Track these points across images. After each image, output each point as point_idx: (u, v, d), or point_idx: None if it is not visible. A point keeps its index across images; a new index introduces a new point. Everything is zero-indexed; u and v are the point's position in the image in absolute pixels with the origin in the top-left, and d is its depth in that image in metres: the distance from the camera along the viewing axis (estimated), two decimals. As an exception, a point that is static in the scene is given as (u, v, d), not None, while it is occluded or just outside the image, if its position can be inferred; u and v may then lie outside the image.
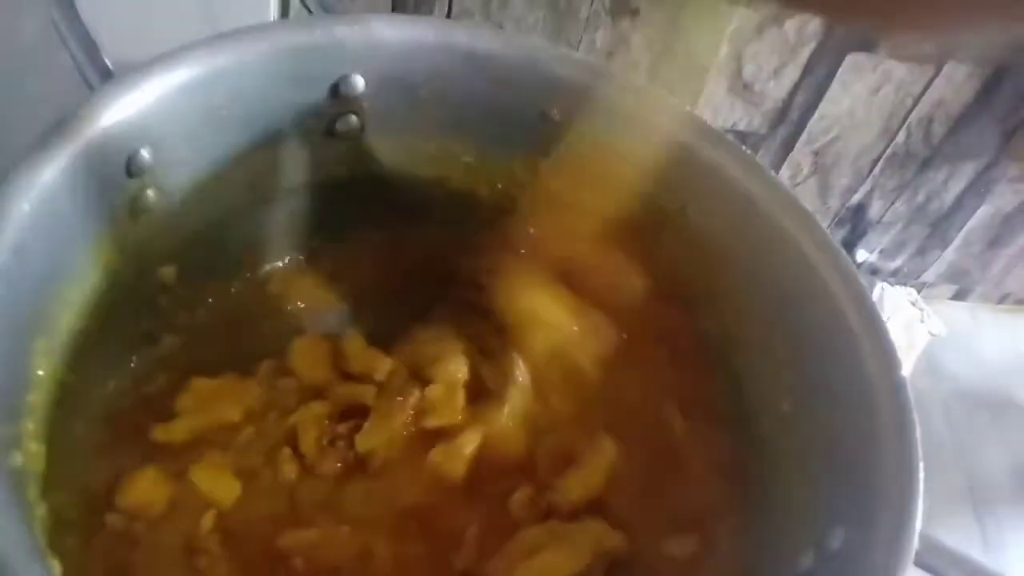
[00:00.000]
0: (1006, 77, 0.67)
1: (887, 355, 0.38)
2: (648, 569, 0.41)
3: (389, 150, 0.48)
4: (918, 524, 0.33)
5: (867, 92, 0.67)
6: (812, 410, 0.40)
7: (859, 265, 0.83)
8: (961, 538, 0.74)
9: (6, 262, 0.30)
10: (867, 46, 0.64)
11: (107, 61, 0.37)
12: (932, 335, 0.83)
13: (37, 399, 0.33)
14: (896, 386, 0.37)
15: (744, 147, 0.44)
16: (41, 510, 0.31)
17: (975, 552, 0.74)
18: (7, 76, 0.48)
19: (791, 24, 0.62)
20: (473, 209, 0.49)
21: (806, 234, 0.42)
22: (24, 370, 0.33)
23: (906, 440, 0.36)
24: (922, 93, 0.68)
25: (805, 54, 0.64)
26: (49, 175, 0.33)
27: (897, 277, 0.85)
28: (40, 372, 0.33)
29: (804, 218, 0.43)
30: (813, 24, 0.62)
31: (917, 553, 0.34)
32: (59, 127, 0.34)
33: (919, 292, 0.85)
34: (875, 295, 0.82)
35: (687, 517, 0.42)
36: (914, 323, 0.82)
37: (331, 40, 0.42)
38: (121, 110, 0.36)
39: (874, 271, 0.84)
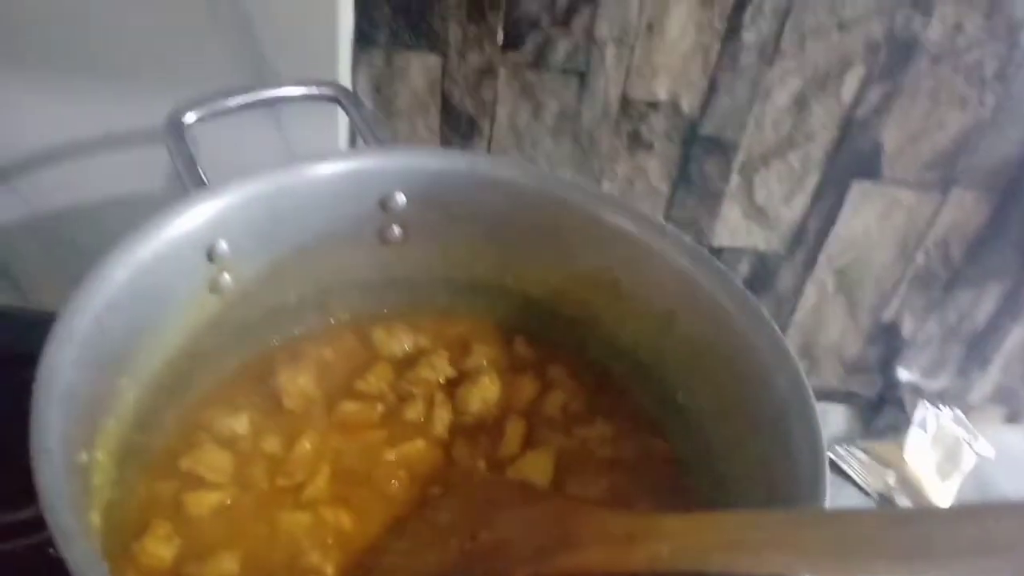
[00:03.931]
0: (1017, 201, 0.72)
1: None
2: None
3: (430, 256, 0.58)
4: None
5: (878, 217, 0.74)
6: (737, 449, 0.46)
7: (901, 385, 0.86)
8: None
9: (100, 314, 0.42)
10: (871, 174, 0.71)
11: (202, 173, 0.49)
12: (980, 456, 0.84)
13: (112, 423, 0.44)
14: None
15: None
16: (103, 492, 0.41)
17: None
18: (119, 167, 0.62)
19: (794, 155, 0.70)
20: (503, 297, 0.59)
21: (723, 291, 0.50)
22: (107, 401, 0.43)
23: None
24: (933, 217, 0.73)
25: (812, 182, 0.72)
26: (145, 252, 0.44)
27: (943, 398, 0.87)
28: (118, 403, 0.44)
29: (725, 280, 0.51)
30: (816, 155, 0.70)
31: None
32: (156, 218, 0.46)
33: (967, 414, 0.86)
34: (917, 415, 0.84)
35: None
36: (960, 445, 0.83)
37: (378, 165, 0.54)
38: (206, 210, 0.48)
39: (916, 390, 0.86)
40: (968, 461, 0.84)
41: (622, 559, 0.42)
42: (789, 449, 0.44)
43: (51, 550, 0.57)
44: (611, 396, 0.57)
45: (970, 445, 0.84)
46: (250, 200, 0.50)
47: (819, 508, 0.41)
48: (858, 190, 0.72)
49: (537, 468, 0.52)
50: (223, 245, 0.49)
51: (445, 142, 0.69)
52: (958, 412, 0.86)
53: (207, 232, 0.48)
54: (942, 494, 0.81)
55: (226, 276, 0.51)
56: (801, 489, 0.42)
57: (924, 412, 0.84)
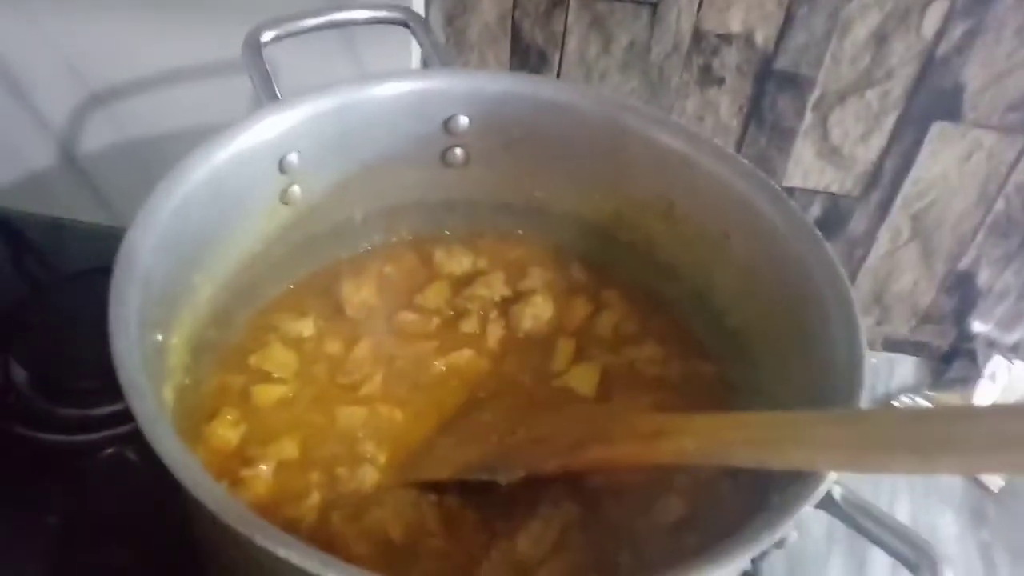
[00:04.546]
0: (1107, 147, 0.69)
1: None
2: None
3: (491, 179, 0.60)
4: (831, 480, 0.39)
5: (958, 159, 0.71)
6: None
7: (974, 337, 0.84)
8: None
9: (179, 206, 0.45)
10: (952, 115, 0.69)
11: (276, 89, 0.52)
12: (1055, 411, 0.81)
13: (187, 314, 0.47)
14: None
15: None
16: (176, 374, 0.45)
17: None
18: (205, 96, 0.67)
19: (872, 93, 0.69)
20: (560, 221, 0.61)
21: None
22: (182, 293, 0.47)
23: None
24: (1016, 161, 0.71)
25: (890, 121, 0.70)
26: (222, 156, 0.48)
27: (1018, 353, 0.84)
28: (193, 297, 0.48)
29: (780, 202, 0.51)
30: (895, 93, 0.69)
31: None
32: (231, 128, 0.49)
33: (1044, 369, 0.83)
34: (988, 368, 0.82)
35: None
36: (1034, 399, 0.81)
37: (443, 86, 0.56)
38: (279, 123, 0.51)
39: (990, 343, 0.84)
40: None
41: (649, 453, 0.43)
42: (831, 368, 0.45)
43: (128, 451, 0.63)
44: (662, 319, 0.58)
45: (1045, 399, 0.82)
46: (321, 114, 0.52)
47: (841, 409, 0.41)
48: (938, 131, 0.70)
49: (583, 380, 0.54)
50: (294, 157, 0.52)
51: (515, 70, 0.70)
52: (1035, 368, 0.83)
53: (279, 143, 0.51)
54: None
55: (296, 188, 0.54)
56: (837, 399, 0.43)
57: (996, 365, 0.82)
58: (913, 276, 0.81)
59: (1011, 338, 0.84)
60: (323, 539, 0.45)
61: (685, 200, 0.55)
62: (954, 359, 0.84)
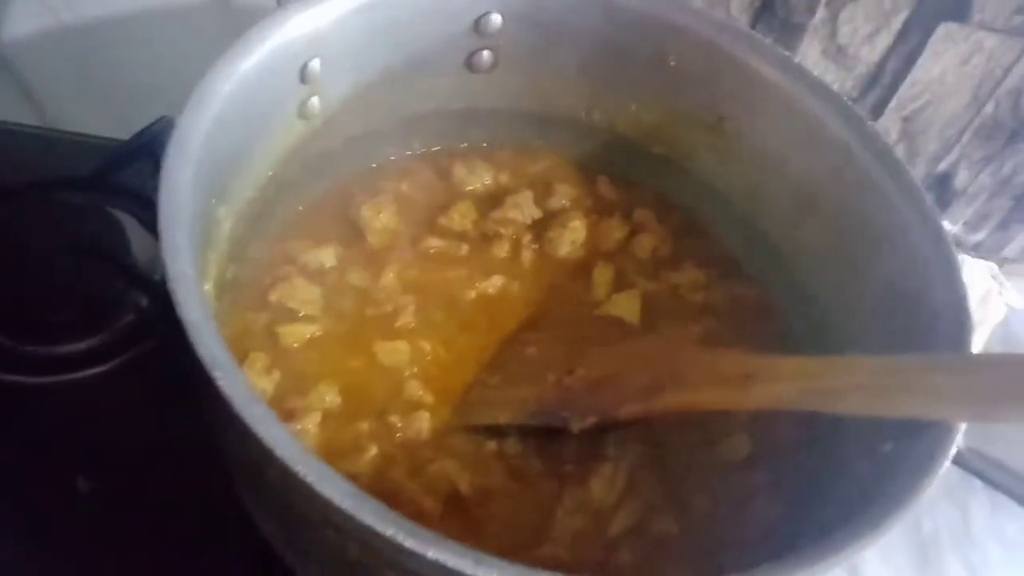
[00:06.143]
0: (1099, 54, 0.69)
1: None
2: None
3: (517, 85, 0.55)
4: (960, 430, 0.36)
5: (958, 61, 0.70)
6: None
7: (942, 235, 0.86)
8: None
9: (211, 130, 0.38)
10: (960, 15, 0.67)
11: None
12: (1009, 307, 0.85)
13: (212, 254, 0.41)
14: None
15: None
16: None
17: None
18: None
19: (886, -9, 0.66)
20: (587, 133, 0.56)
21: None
22: (210, 231, 0.41)
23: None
24: (1013, 65, 0.71)
25: (899, 20, 0.68)
26: (247, 65, 0.41)
27: (979, 251, 0.87)
28: (218, 233, 0.42)
29: (858, 124, 0.47)
30: (908, -7, 0.66)
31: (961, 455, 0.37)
32: (253, 32, 0.41)
33: (1000, 267, 0.87)
34: (956, 266, 0.84)
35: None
36: (992, 295, 0.84)
37: (476, -21, 0.49)
38: (300, 24, 0.44)
39: (956, 243, 0.86)
40: (998, 312, 0.85)
41: (739, 399, 0.41)
42: (922, 296, 0.44)
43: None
44: (698, 240, 0.55)
45: (1001, 296, 0.85)
46: (347, 14, 0.45)
47: (958, 353, 0.40)
48: (943, 32, 0.68)
49: (626, 309, 0.51)
50: (316, 64, 0.45)
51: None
52: (992, 265, 0.86)
53: (303, 49, 0.44)
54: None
55: (315, 100, 0.47)
56: (940, 338, 0.41)
57: (962, 263, 0.84)
58: (893, 177, 0.81)
59: (975, 238, 0.87)
60: (385, 496, 0.41)
61: (738, 115, 0.51)
62: (921, 258, 0.86)
